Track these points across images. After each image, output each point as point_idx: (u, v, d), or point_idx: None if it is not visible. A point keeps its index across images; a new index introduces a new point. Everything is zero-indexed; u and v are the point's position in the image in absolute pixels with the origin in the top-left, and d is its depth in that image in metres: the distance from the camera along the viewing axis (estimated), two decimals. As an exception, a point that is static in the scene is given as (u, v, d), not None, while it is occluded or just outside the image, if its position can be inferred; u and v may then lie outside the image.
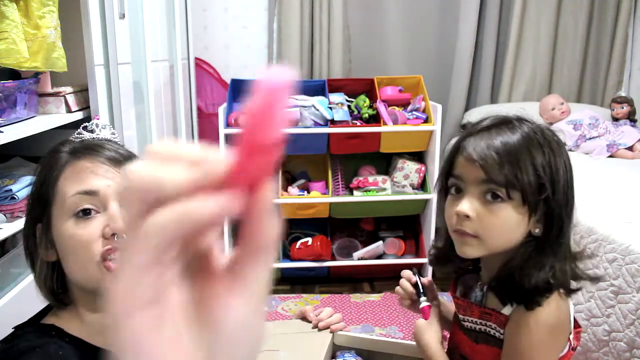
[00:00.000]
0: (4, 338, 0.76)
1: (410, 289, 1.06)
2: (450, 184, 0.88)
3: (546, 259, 0.82)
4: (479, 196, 0.82)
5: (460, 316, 0.94)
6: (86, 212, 0.75)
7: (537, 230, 0.83)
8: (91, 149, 0.79)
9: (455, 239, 0.87)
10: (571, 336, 0.86)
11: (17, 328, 0.78)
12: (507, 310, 0.85)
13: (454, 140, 0.93)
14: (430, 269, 2.73)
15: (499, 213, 0.81)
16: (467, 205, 0.82)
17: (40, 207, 0.77)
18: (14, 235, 1.24)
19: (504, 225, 0.82)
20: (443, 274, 2.93)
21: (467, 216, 0.82)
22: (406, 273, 1.08)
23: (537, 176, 0.80)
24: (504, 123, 0.85)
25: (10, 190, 1.18)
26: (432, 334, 0.96)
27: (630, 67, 3.17)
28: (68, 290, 0.80)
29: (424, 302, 1.02)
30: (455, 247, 0.88)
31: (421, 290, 1.04)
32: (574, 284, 0.85)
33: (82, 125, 0.85)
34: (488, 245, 0.84)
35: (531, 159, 0.80)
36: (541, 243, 0.83)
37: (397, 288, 1.08)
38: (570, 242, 0.85)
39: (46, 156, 0.81)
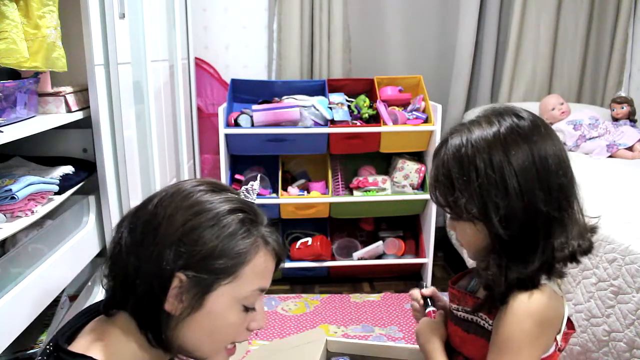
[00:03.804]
0: (47, 355, 0.75)
1: (420, 302, 1.11)
2: None
3: (503, 260, 0.83)
4: None
5: (454, 306, 0.96)
6: (252, 307, 0.79)
7: (501, 232, 0.82)
8: (277, 243, 0.81)
9: None
10: (559, 336, 0.86)
11: (64, 351, 0.74)
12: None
13: None
14: (430, 269, 2.73)
15: (458, 227, 0.90)
16: (447, 222, 0.92)
17: (204, 264, 0.73)
18: (14, 235, 1.24)
19: (464, 236, 0.90)
20: (442, 275, 2.93)
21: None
22: (413, 295, 1.13)
23: (460, 191, 0.83)
24: (443, 143, 0.90)
25: (10, 190, 1.18)
26: (436, 343, 0.97)
27: (630, 67, 3.17)
28: (163, 339, 0.76)
29: (428, 308, 1.08)
30: None
31: (428, 302, 1.10)
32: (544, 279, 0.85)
33: (244, 188, 0.85)
34: (469, 251, 0.92)
35: (449, 180, 0.85)
36: (505, 244, 0.83)
37: (412, 303, 1.14)
38: (546, 243, 0.83)
39: (239, 221, 0.77)
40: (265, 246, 0.79)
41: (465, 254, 2.46)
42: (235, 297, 0.76)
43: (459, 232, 0.90)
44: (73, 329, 0.79)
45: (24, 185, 1.21)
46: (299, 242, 2.71)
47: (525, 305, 0.81)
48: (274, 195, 2.67)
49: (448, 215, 0.93)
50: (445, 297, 1.09)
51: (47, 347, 0.76)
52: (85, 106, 1.52)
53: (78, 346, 0.75)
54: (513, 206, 0.80)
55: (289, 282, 2.79)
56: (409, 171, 2.72)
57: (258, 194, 2.57)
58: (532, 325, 0.81)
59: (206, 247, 0.73)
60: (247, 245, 0.76)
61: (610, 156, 2.59)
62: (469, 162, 0.83)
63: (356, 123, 2.65)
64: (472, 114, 2.97)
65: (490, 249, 0.85)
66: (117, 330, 0.77)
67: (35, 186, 1.25)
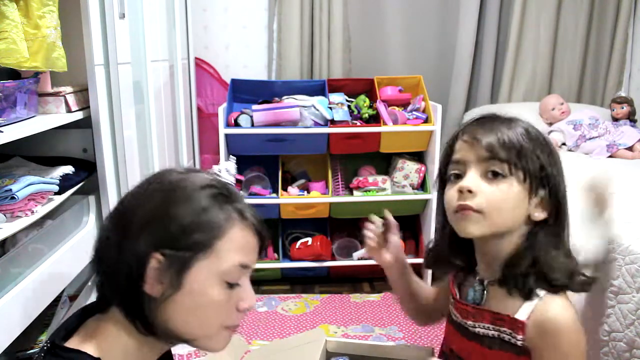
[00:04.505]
0: (44, 352, 0.75)
1: (380, 229, 1.13)
2: (450, 171, 0.90)
3: (560, 247, 0.86)
4: (482, 174, 0.86)
5: (470, 323, 0.92)
6: (235, 284, 0.77)
7: (536, 214, 0.86)
8: (254, 218, 0.80)
9: (457, 219, 0.87)
10: None
11: (61, 347, 0.75)
12: (521, 315, 0.84)
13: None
14: (430, 270, 2.72)
15: (501, 188, 0.84)
16: (470, 180, 0.85)
17: (178, 240, 0.73)
18: (14, 235, 1.24)
19: (507, 200, 0.84)
20: (442, 275, 2.93)
21: (471, 191, 0.84)
22: (371, 222, 1.15)
23: (538, 159, 0.84)
24: (502, 118, 0.91)
25: (10, 190, 1.18)
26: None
27: (630, 67, 3.17)
28: (146, 321, 0.76)
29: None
30: (458, 228, 0.88)
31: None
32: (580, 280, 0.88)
33: (217, 168, 0.86)
34: (492, 221, 0.84)
35: (532, 145, 0.85)
36: (549, 232, 0.86)
37: (367, 232, 1.15)
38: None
39: (211, 196, 0.77)
40: (242, 220, 0.78)
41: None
42: (214, 273, 0.75)
43: (499, 193, 0.84)
44: (69, 328, 0.80)
45: (24, 185, 1.21)
46: (299, 242, 2.71)
47: (567, 324, 0.83)
48: (274, 195, 2.67)
49: (483, 178, 0.86)
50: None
51: (45, 345, 0.77)
52: (85, 106, 1.52)
53: (73, 343, 0.76)
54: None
55: (289, 282, 2.79)
56: (409, 171, 2.72)
57: (257, 194, 2.55)
58: (579, 336, 0.84)
59: (179, 223, 0.74)
60: (220, 219, 0.76)
61: (610, 156, 2.59)
62: (546, 144, 0.89)
63: (356, 123, 2.65)
64: (472, 114, 2.97)
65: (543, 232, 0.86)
66: (109, 325, 0.77)
67: (35, 186, 1.25)
